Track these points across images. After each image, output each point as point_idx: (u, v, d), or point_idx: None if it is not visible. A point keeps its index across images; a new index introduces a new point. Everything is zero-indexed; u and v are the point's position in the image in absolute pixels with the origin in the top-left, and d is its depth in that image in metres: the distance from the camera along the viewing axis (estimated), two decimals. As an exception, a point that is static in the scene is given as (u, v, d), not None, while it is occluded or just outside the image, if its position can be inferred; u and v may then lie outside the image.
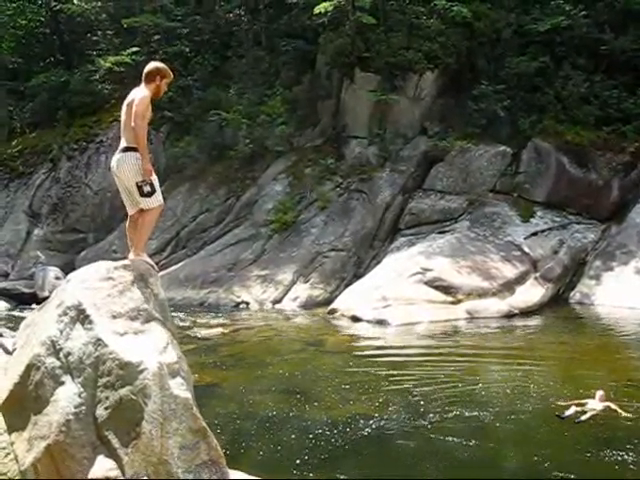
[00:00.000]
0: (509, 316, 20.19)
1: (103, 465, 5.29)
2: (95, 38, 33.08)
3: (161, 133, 29.43)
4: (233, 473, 6.18)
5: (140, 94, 6.48)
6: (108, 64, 29.17)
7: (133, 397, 5.31)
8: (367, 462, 9.67)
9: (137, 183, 6.56)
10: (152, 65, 6.75)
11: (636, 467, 9.12)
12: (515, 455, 9.94)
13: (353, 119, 27.13)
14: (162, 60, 7.77)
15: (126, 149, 6.57)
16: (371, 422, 11.01)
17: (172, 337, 5.99)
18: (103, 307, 5.84)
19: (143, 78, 6.64)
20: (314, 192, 25.98)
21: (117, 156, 6.69)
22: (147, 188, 6.57)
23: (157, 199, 6.72)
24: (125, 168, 6.61)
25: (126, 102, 6.58)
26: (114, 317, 5.81)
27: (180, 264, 25.23)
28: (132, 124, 6.39)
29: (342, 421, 11.05)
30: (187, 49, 30.53)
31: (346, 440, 10.34)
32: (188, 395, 5.51)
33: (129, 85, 7.18)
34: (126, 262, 6.44)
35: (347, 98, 27.19)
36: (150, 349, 5.60)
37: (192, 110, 29.20)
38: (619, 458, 9.40)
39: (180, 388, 5.47)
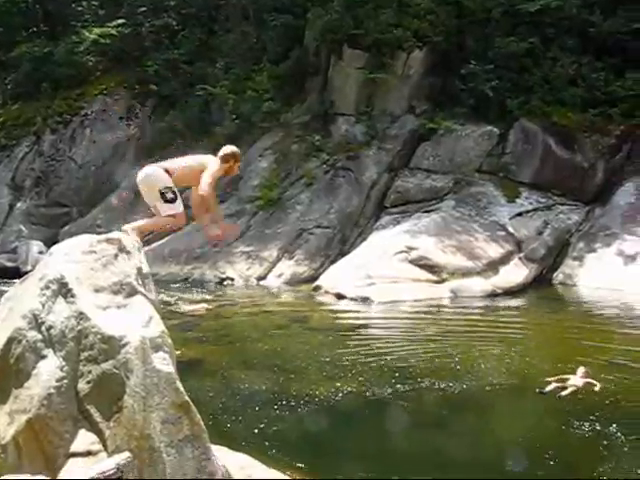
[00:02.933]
0: (493, 296, 20.27)
1: (85, 439, 5.29)
2: (80, 8, 32.51)
3: (147, 107, 29.29)
4: (216, 448, 6.16)
5: (215, 166, 7.02)
6: (93, 36, 28.75)
7: (115, 371, 5.31)
8: (351, 438, 9.68)
9: (160, 190, 6.90)
10: (230, 149, 7.34)
11: (612, 439, 9.30)
12: (495, 428, 10.11)
13: (341, 96, 26.89)
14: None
15: (165, 170, 6.99)
16: (355, 398, 11.06)
17: (155, 311, 5.95)
18: (86, 281, 5.79)
19: (219, 156, 7.20)
20: (300, 169, 25.87)
21: (149, 170, 7.07)
22: (170, 195, 6.92)
23: (178, 207, 7.04)
24: (152, 179, 7.01)
25: (191, 158, 7.24)
26: (97, 291, 5.76)
27: (164, 240, 24.90)
28: (201, 191, 6.94)
29: (326, 397, 11.07)
30: (174, 22, 30.22)
31: (330, 416, 10.41)
32: (171, 369, 5.49)
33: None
34: (109, 235, 6.37)
35: (335, 75, 26.95)
36: (133, 323, 5.57)
37: (178, 84, 28.94)
38: (596, 430, 9.59)
39: (163, 362, 5.44)
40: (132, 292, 5.89)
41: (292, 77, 27.89)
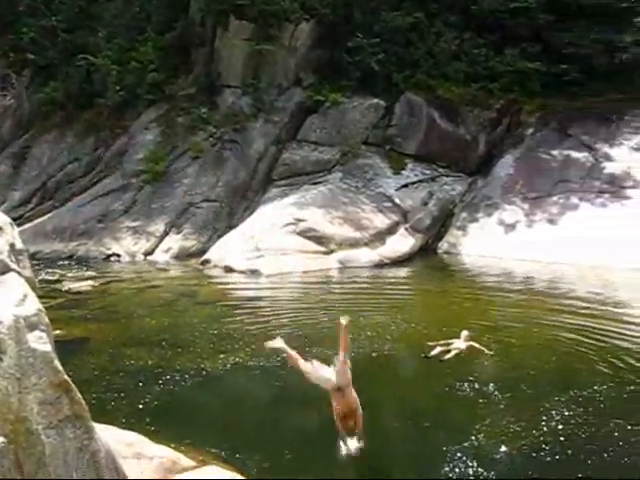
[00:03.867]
0: (380, 266, 20.74)
1: (-44, 424, 5.10)
2: None
3: (23, 77, 27.85)
4: (103, 427, 6.08)
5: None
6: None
7: (-13, 352, 5.15)
8: (240, 409, 9.74)
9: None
10: None
11: (490, 397, 9.85)
12: (379, 392, 10.20)
13: (227, 68, 26.56)
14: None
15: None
16: (241, 369, 11.21)
17: (31, 289, 5.63)
18: (-46, 258, 5.49)
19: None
20: (186, 142, 25.40)
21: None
22: None
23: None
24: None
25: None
26: (-34, 268, 5.48)
27: (47, 216, 24.29)
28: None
29: (213, 370, 11.18)
30: (50, -14, 29.24)
31: (220, 390, 10.52)
32: (48, 348, 5.25)
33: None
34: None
35: (221, 46, 26.58)
36: (5, 302, 5.27)
37: (57, 54, 27.64)
38: (475, 390, 10.15)
39: (39, 342, 5.20)
40: (4, 269, 5.55)
41: (177, 48, 27.17)
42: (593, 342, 12.36)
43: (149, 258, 22.15)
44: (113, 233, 22.94)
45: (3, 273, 5.55)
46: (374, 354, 11.99)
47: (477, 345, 11.85)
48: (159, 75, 26.49)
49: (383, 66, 25.42)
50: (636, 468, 7.85)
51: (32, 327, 5.22)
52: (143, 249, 22.38)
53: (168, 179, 24.49)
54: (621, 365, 11.20)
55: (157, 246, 22.56)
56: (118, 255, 22.23)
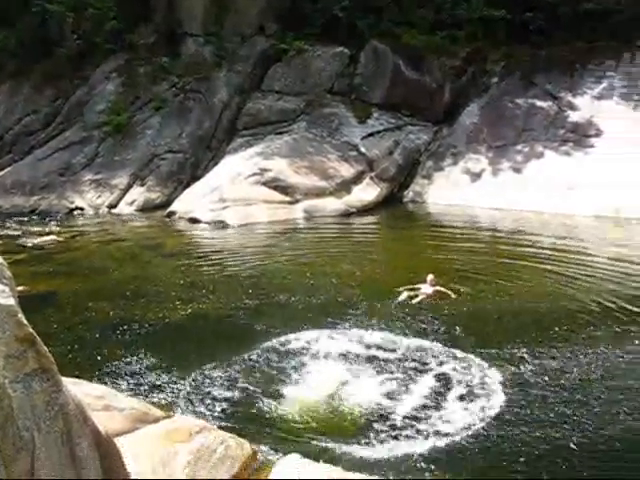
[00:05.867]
0: (346, 215, 20.86)
1: None
2: None
3: (-28, 25, 27.11)
4: (72, 381, 6.04)
5: None
6: None
7: (-54, 309, 5.01)
8: (205, 353, 9.82)
9: None
10: None
11: (457, 340, 10.18)
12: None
13: (188, 16, 25.98)
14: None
15: None
16: (209, 319, 11.36)
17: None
18: None
19: None
20: (148, 92, 24.99)
21: None
22: None
23: None
24: None
25: None
26: None
27: (6, 170, 23.93)
28: None
29: (182, 320, 11.25)
30: None
31: (188, 338, 10.57)
32: (11, 302, 5.12)
33: None
34: None
35: (181, -7, 26.13)
36: (-37, 256, 5.19)
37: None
38: (440, 329, 10.60)
39: (1, 295, 5.11)
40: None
41: (137, -6, 26.88)
42: (559, 287, 12.74)
43: (113, 211, 22.02)
44: (75, 186, 22.70)
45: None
46: (340, 298, 12.09)
47: (443, 289, 12.07)
48: (118, 23, 25.83)
49: (347, 14, 25.08)
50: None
51: (-7, 281, 5.14)
52: (107, 202, 22.19)
53: (131, 130, 24.14)
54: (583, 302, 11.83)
55: (121, 199, 22.38)
56: (81, 209, 22.07)
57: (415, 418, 7.81)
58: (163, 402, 8.13)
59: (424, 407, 8.06)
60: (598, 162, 20.49)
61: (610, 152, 20.46)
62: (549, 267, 14.06)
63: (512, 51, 24.97)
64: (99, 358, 9.73)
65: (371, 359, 9.38)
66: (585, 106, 22.55)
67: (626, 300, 11.82)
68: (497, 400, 8.17)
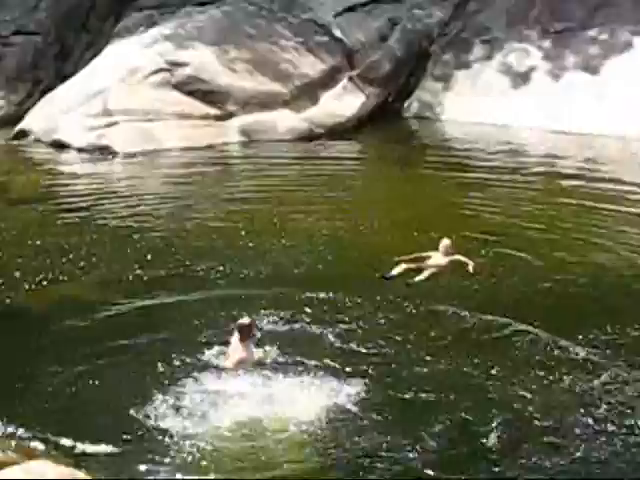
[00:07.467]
0: (309, 138, 20.02)
1: None
2: None
3: None
4: None
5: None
6: None
7: None
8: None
9: None
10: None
11: (461, 320, 10.19)
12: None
13: None
14: None
15: None
16: (78, 307, 11.14)
17: None
18: None
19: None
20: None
21: None
22: None
23: None
24: None
25: None
26: None
27: None
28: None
29: (28, 310, 11.32)
30: None
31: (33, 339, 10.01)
32: None
33: None
34: None
35: None
36: None
37: None
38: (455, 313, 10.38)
39: None
40: None
41: None
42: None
43: None
44: None
45: None
46: (295, 270, 12.21)
47: (465, 260, 11.70)
48: None
49: None
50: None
51: None
52: None
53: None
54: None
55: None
56: None
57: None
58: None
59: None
60: None
61: None
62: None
63: None
64: None
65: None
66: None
67: None
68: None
